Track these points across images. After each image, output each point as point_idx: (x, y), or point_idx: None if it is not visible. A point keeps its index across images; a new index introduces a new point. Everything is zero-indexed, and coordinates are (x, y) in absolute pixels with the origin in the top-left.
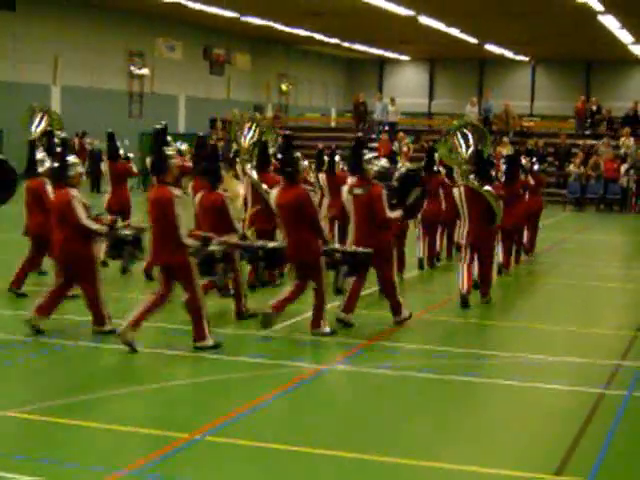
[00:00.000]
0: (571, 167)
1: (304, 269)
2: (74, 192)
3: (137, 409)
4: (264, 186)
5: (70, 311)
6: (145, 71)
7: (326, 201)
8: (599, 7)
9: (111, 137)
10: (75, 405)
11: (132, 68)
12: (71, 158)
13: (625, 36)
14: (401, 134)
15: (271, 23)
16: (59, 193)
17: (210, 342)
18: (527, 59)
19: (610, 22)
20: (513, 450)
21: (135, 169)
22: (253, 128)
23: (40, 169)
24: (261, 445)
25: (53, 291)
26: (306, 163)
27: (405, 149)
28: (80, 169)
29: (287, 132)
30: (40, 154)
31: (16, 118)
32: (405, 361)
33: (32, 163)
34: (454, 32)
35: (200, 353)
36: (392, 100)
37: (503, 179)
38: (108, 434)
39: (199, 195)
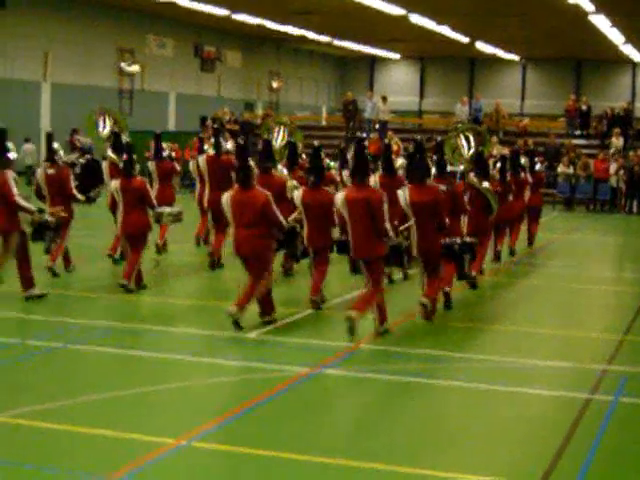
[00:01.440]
0: (560, 167)
1: (430, 260)
2: (269, 193)
3: (123, 414)
4: (294, 182)
5: (54, 312)
6: (136, 68)
7: None
8: (590, 7)
9: (157, 137)
10: (60, 409)
11: (122, 65)
12: (251, 162)
13: (616, 36)
14: (390, 133)
15: (262, 21)
16: (254, 194)
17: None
18: (518, 58)
19: (601, 22)
20: (498, 456)
21: (178, 168)
22: (282, 131)
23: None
24: (247, 451)
25: (250, 286)
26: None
27: (395, 147)
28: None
29: (419, 138)
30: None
31: (6, 114)
32: (392, 365)
33: (129, 164)
34: (445, 31)
35: (187, 357)
36: (384, 98)
37: (497, 177)
38: (93, 439)
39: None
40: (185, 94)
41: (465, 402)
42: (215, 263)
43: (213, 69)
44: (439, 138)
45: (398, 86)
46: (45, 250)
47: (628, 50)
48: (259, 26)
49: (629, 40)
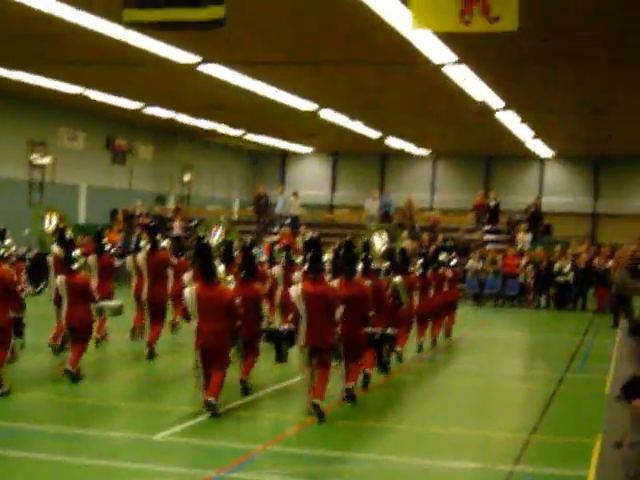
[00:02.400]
0: (470, 262)
1: (354, 349)
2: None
3: None
4: (229, 278)
5: None
6: (46, 160)
7: (280, 290)
8: (500, 104)
9: (99, 233)
10: None
11: (33, 157)
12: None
13: (524, 131)
14: (303, 227)
15: (174, 115)
16: (220, 289)
17: None
18: (428, 153)
19: (510, 117)
20: None
21: (117, 262)
22: (220, 229)
23: (76, 265)
24: None
25: (218, 376)
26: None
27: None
28: None
29: (349, 236)
30: (76, 251)
31: None
32: (296, 467)
33: (70, 259)
34: (356, 126)
35: (84, 461)
36: (295, 194)
37: (420, 271)
38: None
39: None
40: (96, 187)
41: None
42: (152, 354)
43: (125, 162)
44: (365, 238)
45: (310, 180)
46: (21, 346)
47: (536, 146)
48: (171, 119)
49: (538, 135)
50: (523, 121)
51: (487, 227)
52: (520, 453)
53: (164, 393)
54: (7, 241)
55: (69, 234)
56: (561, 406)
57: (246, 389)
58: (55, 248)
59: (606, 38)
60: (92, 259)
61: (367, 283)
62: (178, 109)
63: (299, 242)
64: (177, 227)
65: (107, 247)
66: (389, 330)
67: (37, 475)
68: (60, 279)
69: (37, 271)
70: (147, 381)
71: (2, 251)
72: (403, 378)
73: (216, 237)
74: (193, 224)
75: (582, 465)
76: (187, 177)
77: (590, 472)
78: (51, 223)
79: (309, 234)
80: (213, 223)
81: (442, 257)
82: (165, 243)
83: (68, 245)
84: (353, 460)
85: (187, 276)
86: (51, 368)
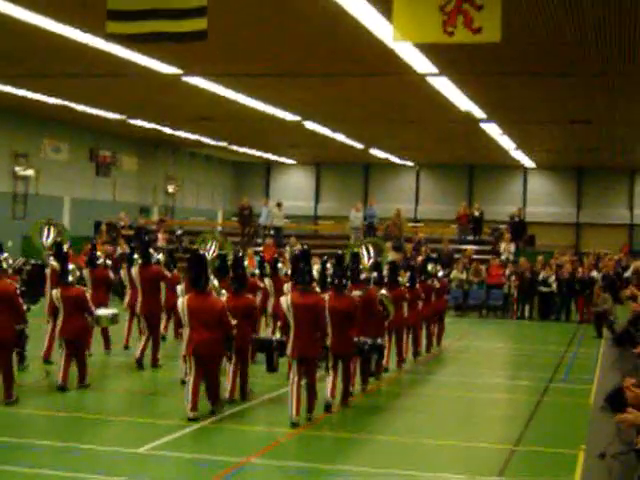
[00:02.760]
0: (454, 273)
1: (344, 359)
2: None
3: None
4: (223, 291)
5: None
6: (30, 172)
7: (271, 301)
8: (482, 115)
9: (93, 246)
10: None
11: (17, 169)
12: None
13: (507, 142)
14: (293, 239)
15: (158, 126)
16: (211, 299)
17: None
18: (412, 164)
19: (492, 129)
20: None
21: (112, 275)
22: (214, 243)
23: (71, 278)
24: None
25: (213, 384)
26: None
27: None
28: None
29: (339, 251)
30: (71, 265)
31: None
32: None
33: (65, 272)
34: (339, 137)
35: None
36: (279, 205)
37: (408, 284)
38: None
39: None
40: (80, 198)
41: None
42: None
43: (109, 173)
44: (355, 249)
45: (294, 191)
46: (20, 360)
47: (519, 156)
48: (155, 130)
49: (520, 147)
50: (504, 133)
51: (470, 237)
52: (504, 464)
53: (151, 405)
54: (4, 254)
55: (66, 248)
56: (545, 417)
57: (245, 395)
58: (53, 262)
59: (587, 50)
60: (86, 272)
61: (357, 293)
62: (162, 121)
63: (287, 253)
64: (161, 239)
65: (100, 260)
66: (379, 340)
67: None
68: (55, 292)
69: (33, 284)
70: (135, 393)
71: (3, 264)
72: (388, 389)
73: (211, 251)
74: (178, 233)
75: (566, 476)
76: (171, 188)
77: None
78: (49, 236)
79: (298, 246)
80: (208, 236)
81: (430, 268)
82: (160, 257)
83: (64, 259)
84: (339, 472)
85: (180, 288)
86: (43, 381)
